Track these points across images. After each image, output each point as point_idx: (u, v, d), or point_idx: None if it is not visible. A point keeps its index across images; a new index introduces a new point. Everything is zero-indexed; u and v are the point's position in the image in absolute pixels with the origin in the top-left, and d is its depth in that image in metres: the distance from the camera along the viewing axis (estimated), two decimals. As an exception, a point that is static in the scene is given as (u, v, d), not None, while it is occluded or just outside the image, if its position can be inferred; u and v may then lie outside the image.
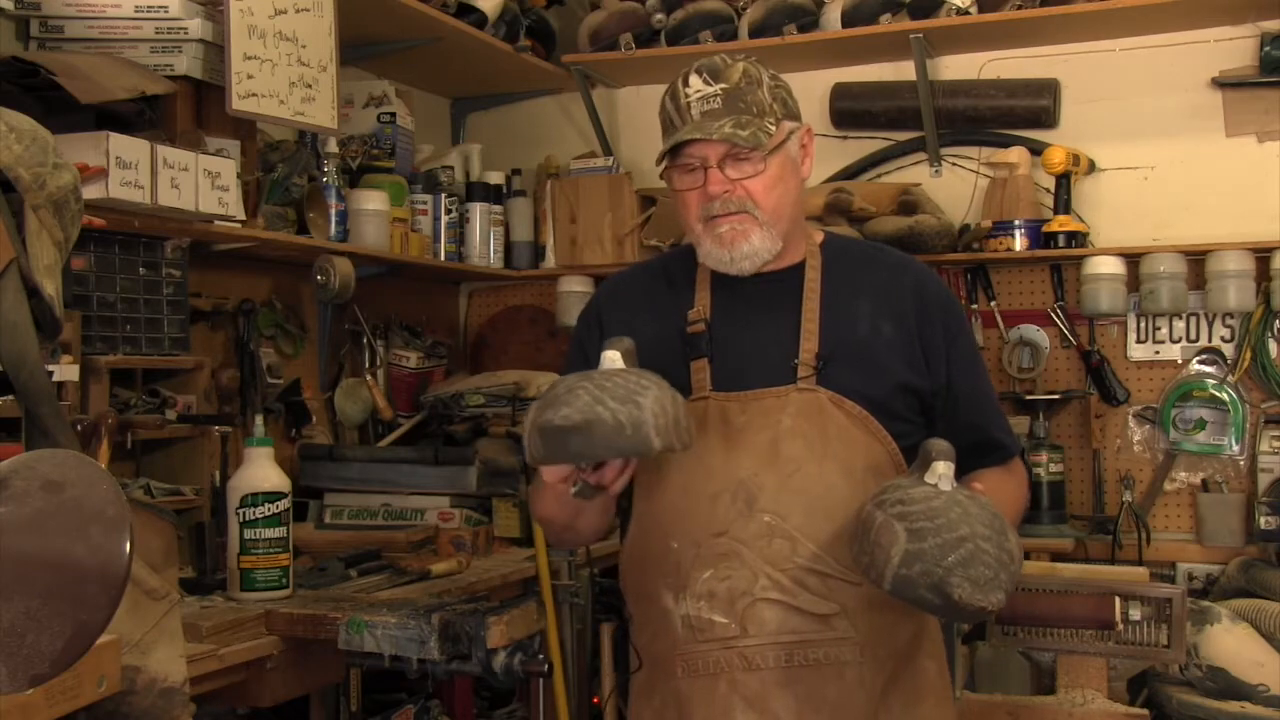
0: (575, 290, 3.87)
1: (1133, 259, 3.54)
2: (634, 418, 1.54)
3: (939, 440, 1.66)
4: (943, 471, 1.61)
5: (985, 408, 1.94)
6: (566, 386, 1.59)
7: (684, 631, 1.79)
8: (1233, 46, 3.55)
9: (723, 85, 1.78)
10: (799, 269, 1.88)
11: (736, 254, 1.81)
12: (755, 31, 3.70)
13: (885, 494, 1.63)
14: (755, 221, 1.80)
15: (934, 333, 1.87)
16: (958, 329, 1.92)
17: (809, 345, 1.81)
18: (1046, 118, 3.66)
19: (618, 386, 1.57)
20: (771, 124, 1.78)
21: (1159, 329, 3.63)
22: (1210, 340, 3.58)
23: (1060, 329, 3.70)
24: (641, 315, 1.91)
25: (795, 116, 1.85)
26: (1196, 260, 3.50)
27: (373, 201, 3.31)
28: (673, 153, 1.79)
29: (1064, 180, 3.58)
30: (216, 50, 2.68)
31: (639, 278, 2.03)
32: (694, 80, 1.80)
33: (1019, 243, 3.58)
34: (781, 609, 1.75)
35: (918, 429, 1.85)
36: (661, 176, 1.86)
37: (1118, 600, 2.53)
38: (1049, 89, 3.65)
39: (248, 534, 2.38)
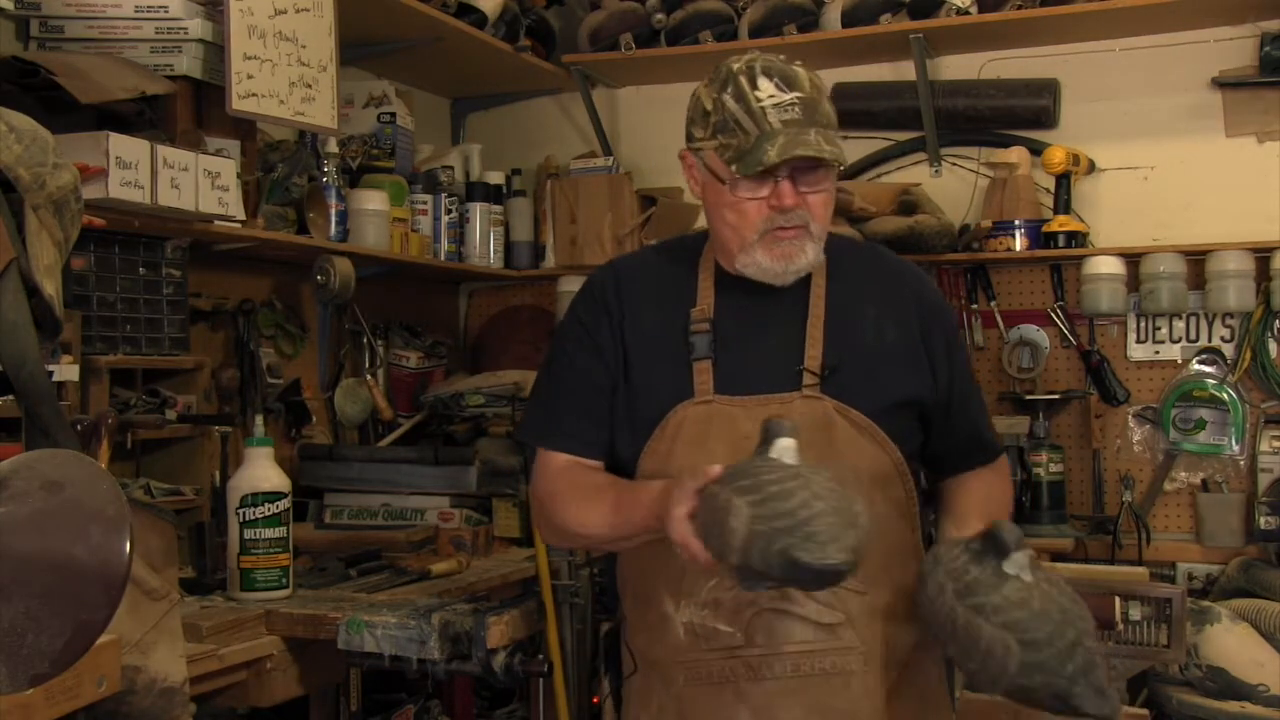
0: (575, 290, 3.86)
1: (1133, 259, 3.53)
2: (860, 543, 1.46)
3: (1009, 525, 1.61)
4: (1023, 562, 1.59)
5: (978, 409, 1.97)
6: (805, 506, 1.44)
7: (686, 639, 1.77)
8: (1233, 46, 3.55)
9: (798, 94, 1.71)
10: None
11: (791, 268, 1.77)
12: (755, 31, 3.69)
13: (975, 595, 1.58)
14: (810, 236, 1.76)
15: (936, 340, 1.87)
16: (954, 334, 1.94)
17: (814, 352, 1.79)
18: (1046, 118, 3.65)
19: (843, 506, 1.46)
20: (838, 137, 1.74)
21: (1159, 329, 3.62)
22: (1210, 340, 3.57)
23: (1060, 329, 3.70)
24: (649, 306, 1.88)
25: None
26: (1196, 260, 3.50)
27: (373, 201, 3.31)
28: (748, 161, 1.70)
29: (1064, 180, 3.58)
30: (216, 50, 2.68)
31: (647, 265, 1.98)
32: (764, 84, 1.71)
33: (1019, 243, 3.57)
34: (788, 618, 1.74)
35: (917, 433, 1.87)
36: (720, 181, 1.75)
37: (1118, 600, 2.53)
38: (1049, 89, 3.65)
39: (248, 534, 2.38)
